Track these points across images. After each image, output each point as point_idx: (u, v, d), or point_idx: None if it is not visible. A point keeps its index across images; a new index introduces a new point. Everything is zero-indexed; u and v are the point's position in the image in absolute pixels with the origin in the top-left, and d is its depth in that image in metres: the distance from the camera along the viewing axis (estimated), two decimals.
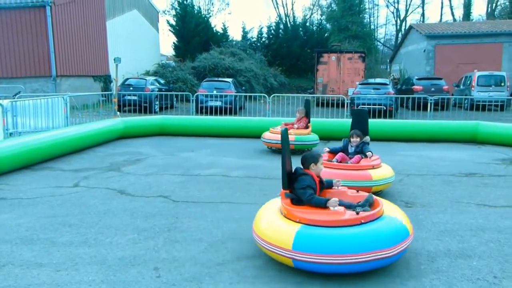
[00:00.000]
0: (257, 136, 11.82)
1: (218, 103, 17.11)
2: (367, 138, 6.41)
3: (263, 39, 38.30)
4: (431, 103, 14.64)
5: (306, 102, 10.07)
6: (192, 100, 16.07)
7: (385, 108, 16.12)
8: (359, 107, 16.61)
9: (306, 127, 9.65)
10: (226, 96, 17.51)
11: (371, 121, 12.81)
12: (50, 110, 10.96)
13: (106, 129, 10.94)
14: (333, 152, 6.42)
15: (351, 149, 6.37)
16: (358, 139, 6.32)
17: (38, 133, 9.15)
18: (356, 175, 5.75)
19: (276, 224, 3.78)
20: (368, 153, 6.19)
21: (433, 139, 11.53)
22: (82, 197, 5.99)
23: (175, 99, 20.31)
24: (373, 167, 5.92)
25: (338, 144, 6.76)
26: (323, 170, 5.76)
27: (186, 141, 11.37)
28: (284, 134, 3.97)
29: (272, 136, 9.54)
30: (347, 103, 15.80)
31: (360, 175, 5.77)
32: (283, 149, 3.97)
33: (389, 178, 6.00)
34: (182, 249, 4.18)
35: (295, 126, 9.62)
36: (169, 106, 19.42)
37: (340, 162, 6.14)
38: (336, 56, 24.95)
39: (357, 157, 6.17)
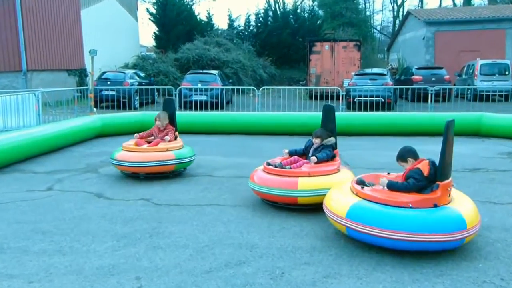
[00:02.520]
0: (245, 132, 11.84)
1: (203, 97, 17.06)
2: (329, 140, 5.88)
3: (251, 28, 38.23)
4: (431, 94, 14.71)
5: (167, 102, 7.97)
6: (175, 94, 16.00)
7: (383, 100, 16.19)
8: (355, 100, 16.66)
9: (175, 137, 7.62)
10: (211, 89, 17.47)
11: (368, 114, 12.93)
12: (21, 107, 10.87)
13: (82, 127, 10.85)
14: (292, 154, 6.03)
15: (311, 152, 5.90)
16: (318, 140, 5.85)
17: (7, 132, 9.05)
18: (281, 182, 5.37)
19: None
20: (312, 158, 5.66)
21: (435, 133, 11.56)
22: (56, 201, 5.93)
23: (156, 93, 20.22)
24: (308, 174, 5.39)
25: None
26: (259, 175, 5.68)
27: None
28: (451, 124, 4.30)
29: (129, 156, 7.01)
30: (342, 95, 15.82)
31: (285, 183, 5.34)
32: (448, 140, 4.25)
33: (322, 190, 5.18)
34: (166, 257, 4.16)
35: (167, 138, 7.39)
36: (150, 101, 19.33)
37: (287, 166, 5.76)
38: (329, 45, 24.98)
39: (302, 161, 5.81)
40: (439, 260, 4.03)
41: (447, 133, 4.22)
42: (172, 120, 7.69)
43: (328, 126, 6.05)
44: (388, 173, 5.06)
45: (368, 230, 4.11)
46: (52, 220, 5.18)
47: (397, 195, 4.25)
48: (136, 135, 7.59)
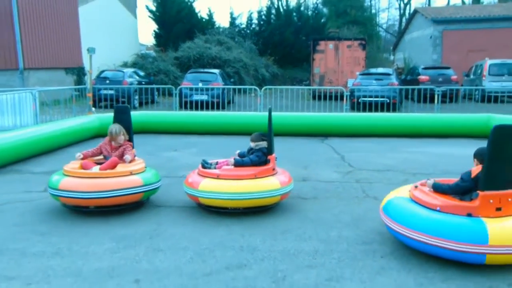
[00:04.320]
0: (247, 133, 11.85)
1: (204, 97, 17.08)
2: (259, 144, 5.78)
3: (253, 26, 38.26)
4: (438, 95, 14.73)
5: (120, 111, 6.46)
6: (175, 94, 16.04)
7: (388, 100, 16.18)
8: (359, 100, 16.68)
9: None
10: (213, 89, 17.50)
11: (373, 114, 12.94)
12: (18, 106, 10.91)
13: (79, 127, 10.90)
14: (241, 155, 5.99)
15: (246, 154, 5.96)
16: (252, 144, 5.85)
17: (4, 132, 9.09)
18: (190, 181, 5.54)
19: None
20: (230, 160, 5.75)
21: (441, 134, 11.61)
22: (54, 202, 5.95)
23: (156, 93, 20.25)
24: (217, 177, 5.41)
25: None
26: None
27: (168, 140, 11.36)
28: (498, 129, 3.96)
29: (78, 184, 5.35)
30: (346, 96, 15.84)
31: (193, 182, 5.49)
32: None
33: (221, 193, 5.26)
34: (166, 259, 4.20)
35: (128, 157, 5.88)
36: (149, 100, 19.37)
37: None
38: (334, 44, 25.01)
39: (224, 162, 5.84)
40: (445, 264, 4.06)
41: (493, 140, 3.96)
42: (128, 134, 6.24)
43: (268, 127, 5.92)
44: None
45: (395, 227, 4.33)
46: (50, 221, 5.22)
47: (430, 197, 4.33)
48: (79, 154, 5.99)
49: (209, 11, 38.57)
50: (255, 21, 38.41)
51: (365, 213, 5.50)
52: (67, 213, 5.52)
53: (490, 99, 16.38)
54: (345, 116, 12.81)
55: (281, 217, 5.38)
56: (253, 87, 18.50)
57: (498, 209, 3.99)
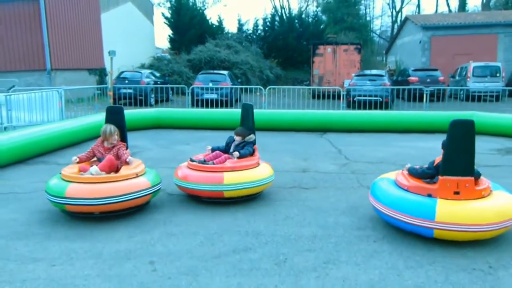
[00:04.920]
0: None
1: (214, 96, 17.05)
2: (250, 138, 5.80)
3: (259, 32, 38.19)
4: (426, 94, 14.64)
5: (113, 111, 5.69)
6: (188, 93, 16.02)
7: (381, 99, 16.11)
8: (355, 99, 16.61)
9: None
10: (222, 88, 17.46)
11: (367, 112, 12.88)
12: (45, 103, 10.90)
13: (101, 123, 10.84)
14: (215, 150, 5.86)
15: (233, 148, 5.79)
16: (239, 138, 5.78)
17: (32, 127, 9.10)
18: (207, 178, 5.17)
19: None
20: (235, 153, 5.55)
21: (429, 130, 11.53)
22: None
23: (170, 92, 20.25)
24: (232, 170, 5.24)
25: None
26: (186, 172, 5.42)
27: (181, 134, 11.34)
28: (457, 124, 4.11)
29: (88, 191, 4.58)
30: (343, 95, 15.77)
31: (211, 178, 5.16)
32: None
33: (247, 183, 5.22)
34: (178, 243, 4.17)
35: (131, 159, 5.20)
36: (164, 99, 19.36)
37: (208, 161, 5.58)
38: (332, 48, 24.90)
39: (223, 156, 5.62)
40: (432, 248, 4.03)
41: (451, 132, 4.11)
42: (122, 134, 5.53)
43: (247, 123, 5.94)
44: None
45: (375, 204, 4.58)
46: None
47: (405, 179, 4.54)
48: (75, 158, 5.22)
49: (219, 18, 38.59)
50: (260, 27, 38.38)
51: (359, 202, 5.46)
52: None
53: (474, 98, 16.29)
54: (341, 113, 12.74)
55: (282, 205, 5.34)
56: (258, 87, 18.44)
57: (456, 193, 4.11)
